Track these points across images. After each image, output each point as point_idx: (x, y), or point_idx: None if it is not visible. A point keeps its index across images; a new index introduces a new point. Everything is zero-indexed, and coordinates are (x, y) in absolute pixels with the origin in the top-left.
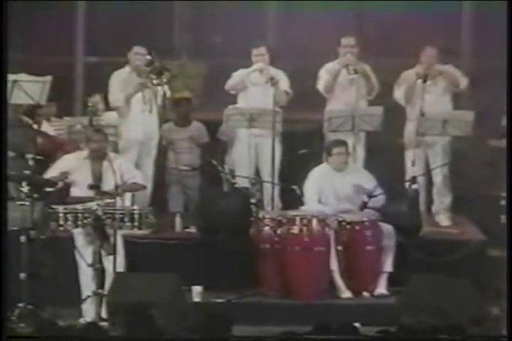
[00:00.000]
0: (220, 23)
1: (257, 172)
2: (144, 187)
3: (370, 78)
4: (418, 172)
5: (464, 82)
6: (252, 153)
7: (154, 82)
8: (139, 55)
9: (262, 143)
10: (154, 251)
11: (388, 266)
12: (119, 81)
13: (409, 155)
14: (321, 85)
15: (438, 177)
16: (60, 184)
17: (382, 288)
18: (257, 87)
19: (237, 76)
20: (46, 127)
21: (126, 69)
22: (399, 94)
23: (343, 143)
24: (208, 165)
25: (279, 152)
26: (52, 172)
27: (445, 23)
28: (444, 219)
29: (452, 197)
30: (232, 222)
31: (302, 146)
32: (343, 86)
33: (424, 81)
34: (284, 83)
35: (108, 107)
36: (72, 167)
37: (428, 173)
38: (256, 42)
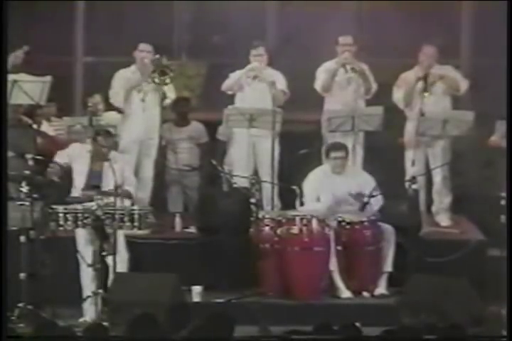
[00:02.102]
0: (220, 23)
1: (257, 173)
2: (131, 198)
3: (368, 77)
4: (418, 172)
5: (464, 85)
6: (252, 153)
7: (156, 81)
8: (144, 52)
9: (261, 143)
10: (154, 251)
11: (388, 266)
12: (122, 80)
13: (409, 155)
14: (318, 84)
15: (438, 177)
16: (60, 173)
17: (382, 288)
18: (253, 87)
19: (233, 76)
20: (46, 127)
21: (132, 68)
22: (398, 96)
23: (341, 147)
24: (208, 165)
25: (279, 152)
26: (59, 157)
27: (445, 23)
28: (444, 219)
29: (452, 197)
30: (232, 222)
31: (302, 146)
32: (341, 85)
33: (425, 86)
34: (281, 83)
35: (108, 107)
36: (75, 154)
37: (428, 173)
38: (255, 43)
